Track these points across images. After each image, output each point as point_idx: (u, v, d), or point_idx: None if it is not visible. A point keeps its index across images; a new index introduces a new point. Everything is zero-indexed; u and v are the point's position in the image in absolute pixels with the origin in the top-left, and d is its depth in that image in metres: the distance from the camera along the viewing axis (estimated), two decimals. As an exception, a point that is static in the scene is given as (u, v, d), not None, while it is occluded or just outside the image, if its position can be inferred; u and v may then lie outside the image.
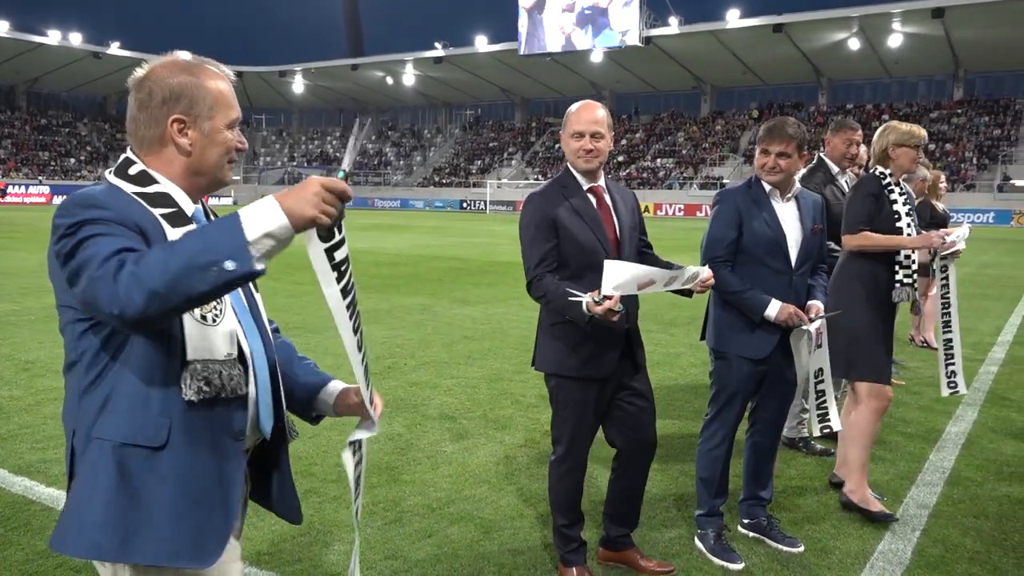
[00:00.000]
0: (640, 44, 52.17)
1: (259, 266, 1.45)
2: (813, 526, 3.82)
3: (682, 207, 49.44)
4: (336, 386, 2.04)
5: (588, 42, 53.53)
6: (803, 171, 5.04)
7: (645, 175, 54.44)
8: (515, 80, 63.19)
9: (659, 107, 63.79)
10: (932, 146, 46.93)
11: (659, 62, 55.83)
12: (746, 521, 3.72)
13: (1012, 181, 42.50)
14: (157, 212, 1.67)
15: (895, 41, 47.44)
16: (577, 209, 3.09)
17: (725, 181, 49.82)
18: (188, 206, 1.73)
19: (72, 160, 63.91)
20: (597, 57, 55.39)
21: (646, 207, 45.84)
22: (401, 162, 68.92)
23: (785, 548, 3.54)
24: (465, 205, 57.04)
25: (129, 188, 1.69)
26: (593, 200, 3.14)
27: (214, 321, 1.68)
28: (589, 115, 3.09)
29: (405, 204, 59.87)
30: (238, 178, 68.73)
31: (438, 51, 60.54)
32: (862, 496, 3.95)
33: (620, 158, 57.48)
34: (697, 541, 3.57)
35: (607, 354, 3.12)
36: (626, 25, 52.00)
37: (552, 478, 3.28)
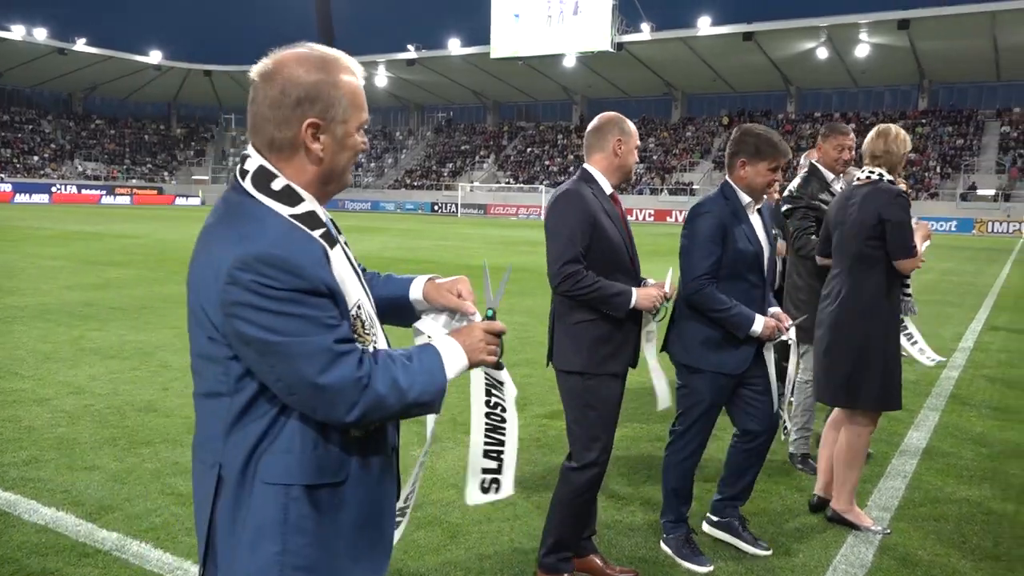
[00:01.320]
0: (612, 50, 52.47)
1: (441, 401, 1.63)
2: (776, 529, 3.86)
3: (652, 212, 49.81)
4: (418, 284, 1.88)
5: (561, 46, 53.68)
6: (796, 179, 5.05)
7: (616, 180, 54.70)
8: (487, 83, 63.23)
9: (631, 112, 64.05)
10: (897, 155, 47.64)
11: (631, 68, 56.21)
12: (715, 519, 3.71)
13: (978, 191, 43.37)
14: (316, 234, 1.53)
15: (862, 51, 48.23)
16: (608, 212, 3.18)
17: (696, 187, 50.28)
18: (326, 220, 1.61)
19: (36, 158, 62.78)
20: (570, 62, 55.62)
21: (617, 212, 46.11)
22: (372, 164, 68.58)
23: (753, 550, 3.56)
24: (437, 208, 56.91)
25: (284, 211, 1.52)
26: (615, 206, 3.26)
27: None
28: None
29: (376, 206, 59.62)
30: (203, 181, 68.09)
31: (410, 53, 60.39)
32: (855, 514, 3.91)
33: (591, 163, 57.66)
34: (664, 545, 3.59)
35: (630, 348, 3.23)
36: (598, 31, 52.22)
37: (574, 486, 3.18)
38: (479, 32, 59.23)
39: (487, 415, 1.85)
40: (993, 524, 3.98)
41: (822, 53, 49.35)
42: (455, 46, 58.45)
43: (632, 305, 3.11)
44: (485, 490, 1.89)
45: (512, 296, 11.50)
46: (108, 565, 3.28)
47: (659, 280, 3.28)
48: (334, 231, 1.61)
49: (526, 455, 4.79)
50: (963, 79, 51.91)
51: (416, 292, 1.86)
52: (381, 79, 64.53)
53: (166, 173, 70.19)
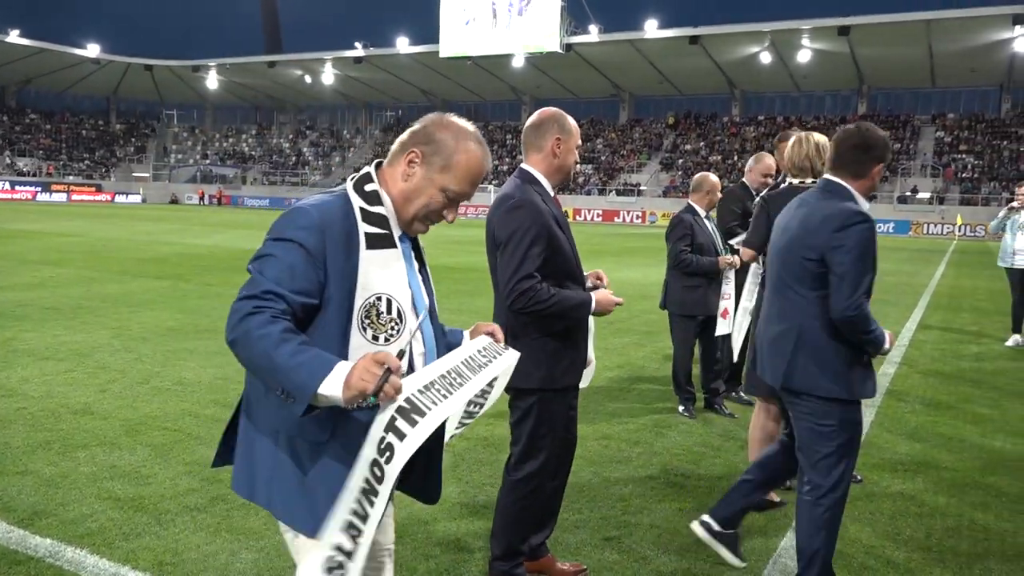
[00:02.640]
0: (561, 51, 52.75)
1: (302, 411, 1.65)
2: (720, 525, 3.91)
3: (600, 212, 50.20)
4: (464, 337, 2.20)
5: (510, 47, 53.76)
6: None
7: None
8: (436, 82, 63.01)
9: (579, 113, 64.54)
10: (837, 158, 48.85)
11: (579, 69, 56.59)
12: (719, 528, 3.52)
13: (919, 195, 44.74)
14: (363, 223, 1.88)
15: (804, 56, 49.34)
16: (558, 219, 3.06)
17: (643, 188, 50.86)
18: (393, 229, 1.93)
19: (-34, 153, 60.52)
20: (518, 62, 55.74)
21: (566, 211, 46.36)
22: (319, 162, 67.78)
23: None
24: (385, 207, 56.45)
25: (357, 202, 1.91)
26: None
27: (387, 341, 1.85)
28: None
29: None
30: (144, 178, 66.46)
31: (358, 51, 59.87)
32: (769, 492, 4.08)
33: (540, 163, 57.91)
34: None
35: (581, 359, 3.14)
36: (547, 32, 52.43)
37: (523, 494, 3.12)
38: (428, 31, 59.03)
39: (368, 475, 1.63)
40: (926, 517, 4.11)
41: (765, 58, 50.36)
42: (403, 44, 58.11)
43: (591, 312, 3.03)
44: (329, 571, 1.66)
45: (461, 296, 11.48)
46: (41, 572, 3.18)
47: (591, 271, 3.20)
48: (399, 242, 1.93)
49: (473, 454, 4.79)
50: (900, 85, 53.51)
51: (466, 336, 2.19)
52: (328, 77, 63.84)
53: (105, 169, 68.31)
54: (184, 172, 69.77)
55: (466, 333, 2.18)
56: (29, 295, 10.40)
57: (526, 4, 52.76)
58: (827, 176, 3.15)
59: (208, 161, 71.18)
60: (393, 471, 1.59)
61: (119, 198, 61.00)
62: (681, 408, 5.90)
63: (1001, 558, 3.64)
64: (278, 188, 64.25)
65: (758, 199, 4.75)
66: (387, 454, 1.60)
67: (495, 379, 2.01)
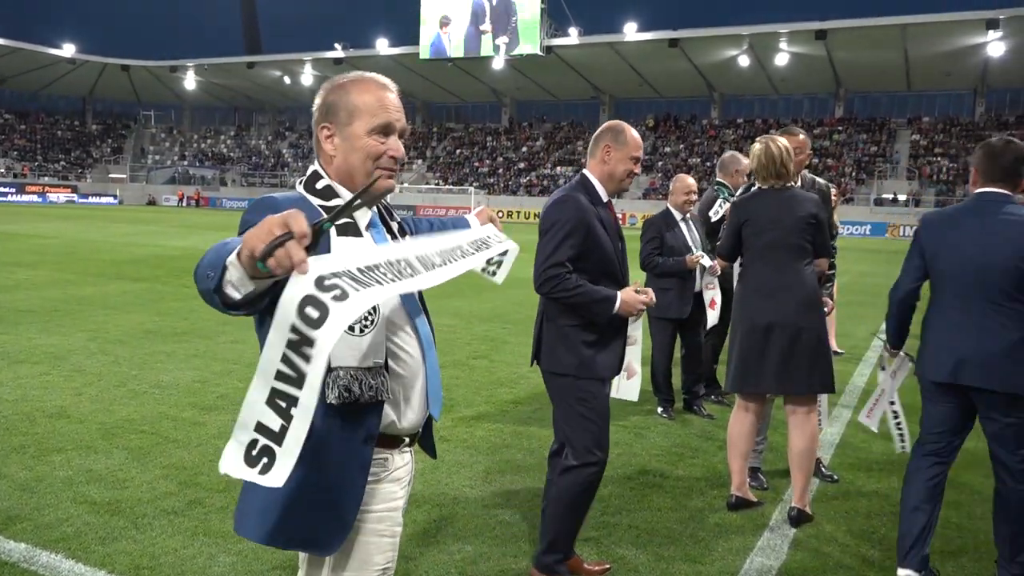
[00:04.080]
0: (541, 53, 52.83)
1: (215, 284, 1.44)
2: (696, 525, 3.95)
3: (581, 214, 50.29)
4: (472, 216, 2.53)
5: (490, 48, 53.78)
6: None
7: (545, 183, 55.10)
8: (416, 84, 62.84)
9: (559, 116, 64.72)
10: (815, 160, 49.36)
11: (559, 71, 56.68)
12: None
13: (898, 196, 45.22)
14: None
15: (782, 60, 49.72)
16: (603, 219, 3.23)
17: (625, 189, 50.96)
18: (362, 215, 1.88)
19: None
20: (499, 64, 55.75)
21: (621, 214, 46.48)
22: (299, 163, 67.38)
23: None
24: (365, 209, 56.23)
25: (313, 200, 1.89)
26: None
27: (361, 332, 1.75)
28: (641, 143, 3.37)
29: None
30: (121, 179, 65.82)
31: (338, 52, 59.63)
32: (746, 492, 4.19)
33: (520, 165, 57.99)
34: None
35: (616, 354, 3.27)
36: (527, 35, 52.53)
37: (574, 484, 3.19)
38: (408, 32, 58.90)
39: (285, 352, 1.34)
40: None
41: (744, 61, 50.70)
42: (383, 46, 57.95)
43: (615, 311, 3.13)
44: (252, 460, 1.40)
45: (439, 298, 11.47)
46: (15, 578, 3.15)
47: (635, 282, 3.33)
48: (367, 231, 1.87)
49: (452, 456, 4.79)
50: (876, 88, 54.04)
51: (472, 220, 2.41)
52: (307, 78, 63.50)
53: (80, 171, 67.54)
54: (162, 173, 69.13)
55: (473, 216, 2.36)
56: (3, 297, 10.27)
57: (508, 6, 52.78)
58: (988, 188, 3.30)
59: (186, 162, 70.59)
60: (315, 368, 1.33)
61: (95, 200, 60.24)
62: (660, 410, 5.93)
63: (974, 555, 3.70)
64: (257, 190, 63.82)
65: (728, 204, 4.75)
66: (304, 350, 1.33)
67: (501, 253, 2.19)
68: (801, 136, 4.64)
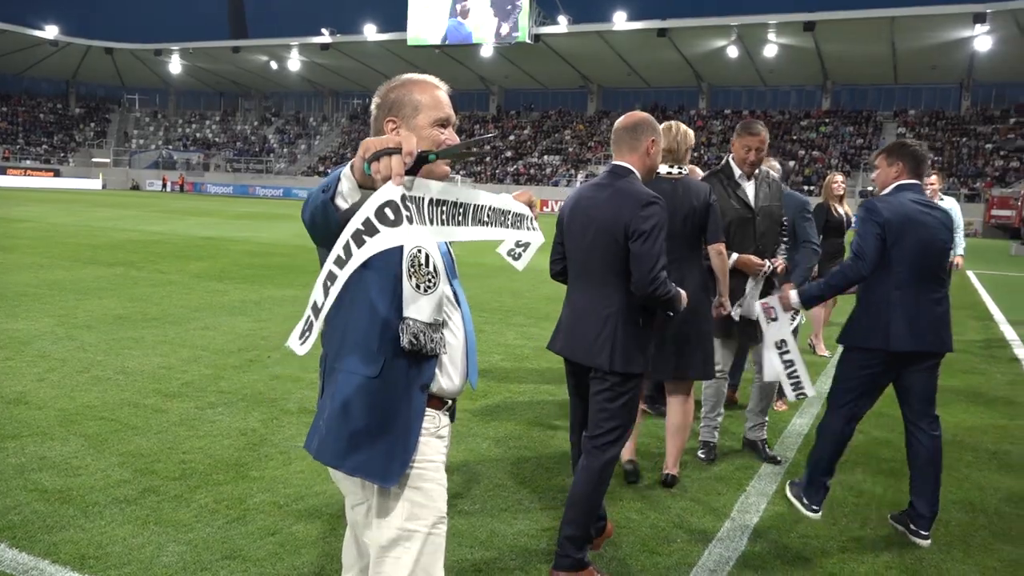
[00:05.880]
0: (529, 41, 52.61)
1: (328, 196, 1.71)
2: (658, 515, 3.91)
3: (567, 204, 50.27)
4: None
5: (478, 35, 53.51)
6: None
7: (532, 171, 55.00)
8: (404, 70, 61.06)
9: (547, 104, 64.54)
10: (801, 152, 49.49)
11: (548, 60, 56.49)
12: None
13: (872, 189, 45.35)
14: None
15: (770, 51, 49.73)
16: None
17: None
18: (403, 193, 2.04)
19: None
20: (487, 52, 55.50)
21: (533, 201, 46.56)
22: (285, 150, 67.00)
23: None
24: (351, 196, 55.97)
25: None
26: None
27: (425, 291, 1.98)
28: None
29: (288, 193, 58.26)
30: (104, 163, 65.31)
31: (325, 37, 59.18)
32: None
33: (508, 154, 57.81)
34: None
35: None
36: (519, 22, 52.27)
37: (608, 473, 3.26)
38: (396, 18, 58.51)
39: (348, 240, 1.57)
40: (863, 506, 4.15)
41: (732, 52, 50.67)
42: (371, 32, 57.55)
43: (684, 305, 3.29)
44: (302, 334, 1.68)
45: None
46: (-45, 567, 3.08)
47: None
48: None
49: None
50: (863, 81, 54.15)
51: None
52: (294, 63, 63.09)
53: (63, 154, 66.85)
54: (145, 157, 68.52)
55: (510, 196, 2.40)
56: (-27, 281, 10.11)
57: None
58: (913, 181, 3.86)
59: (170, 146, 70.01)
60: (359, 257, 1.56)
61: (78, 183, 59.60)
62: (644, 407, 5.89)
63: (934, 547, 3.68)
64: (242, 175, 63.43)
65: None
66: (364, 238, 1.55)
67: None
68: (762, 134, 4.62)
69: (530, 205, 2.37)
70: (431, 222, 1.68)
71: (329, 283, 1.60)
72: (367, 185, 1.63)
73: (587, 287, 3.31)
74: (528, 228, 2.24)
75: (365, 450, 1.99)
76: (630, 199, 3.20)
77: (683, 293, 3.27)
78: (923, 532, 3.73)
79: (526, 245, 2.64)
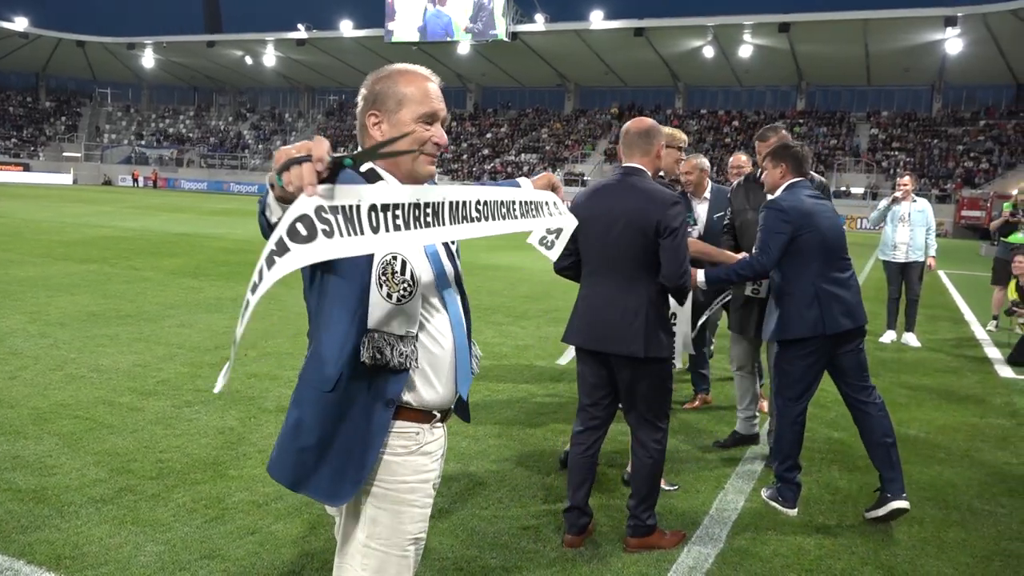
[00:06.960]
0: (507, 39, 52.56)
1: (260, 208, 1.69)
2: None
3: (544, 202, 50.27)
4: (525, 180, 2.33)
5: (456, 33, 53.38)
6: (736, 184, 5.29)
7: (510, 169, 54.96)
8: (380, 67, 62.19)
9: (524, 103, 64.53)
10: (776, 152, 49.82)
11: (525, 58, 56.47)
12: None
13: (851, 189, 45.95)
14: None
15: (745, 51, 50.09)
16: None
17: (587, 177, 51.09)
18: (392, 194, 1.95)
19: None
20: (464, 49, 55.37)
21: (509, 201, 46.56)
22: (260, 146, 66.42)
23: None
24: (327, 192, 55.61)
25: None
26: None
27: (398, 301, 1.85)
28: None
29: (263, 190, 57.48)
30: (75, 158, 64.38)
31: (301, 33, 58.73)
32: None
33: (485, 151, 57.77)
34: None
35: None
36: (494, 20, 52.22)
37: (661, 459, 3.57)
38: (372, 15, 58.22)
39: (262, 265, 1.45)
40: (839, 503, 4.20)
41: (708, 52, 50.97)
42: (347, 28, 57.20)
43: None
44: (224, 372, 1.60)
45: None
46: (-73, 568, 3.03)
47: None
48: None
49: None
50: (837, 82, 54.70)
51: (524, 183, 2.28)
52: (269, 58, 62.53)
53: (33, 148, 65.76)
54: (118, 153, 67.61)
55: (527, 181, 2.27)
56: (-58, 277, 9.93)
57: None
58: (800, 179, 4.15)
59: (143, 142, 69.13)
60: (269, 279, 1.43)
61: (48, 178, 58.66)
62: None
63: (908, 544, 3.74)
64: (217, 171, 62.79)
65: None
66: (274, 259, 1.42)
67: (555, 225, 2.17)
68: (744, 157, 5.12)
69: (553, 188, 2.24)
70: (382, 229, 1.53)
71: (244, 311, 1.47)
72: (286, 198, 1.48)
73: (611, 280, 3.46)
74: (552, 214, 2.13)
75: (312, 467, 1.88)
76: (657, 198, 3.42)
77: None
78: (901, 495, 3.88)
79: (558, 232, 2.44)
